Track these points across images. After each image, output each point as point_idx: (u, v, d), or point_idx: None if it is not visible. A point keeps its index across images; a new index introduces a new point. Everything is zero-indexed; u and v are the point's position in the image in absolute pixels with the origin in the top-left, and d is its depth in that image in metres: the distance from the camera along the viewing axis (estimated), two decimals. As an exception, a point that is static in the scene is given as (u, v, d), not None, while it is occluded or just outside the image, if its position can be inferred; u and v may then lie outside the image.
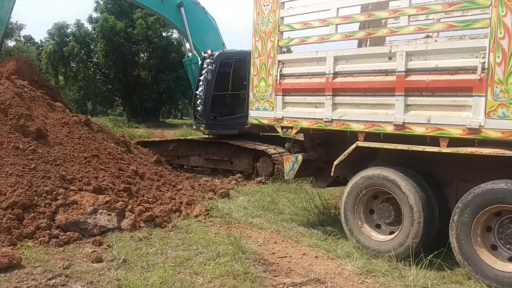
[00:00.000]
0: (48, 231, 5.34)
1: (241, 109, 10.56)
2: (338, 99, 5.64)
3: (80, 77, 36.02)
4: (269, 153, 10.26)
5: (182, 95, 38.39)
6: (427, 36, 6.56)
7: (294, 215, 7.08)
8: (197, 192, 8.36)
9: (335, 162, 5.63)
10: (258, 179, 10.16)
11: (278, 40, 6.25)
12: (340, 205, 5.70)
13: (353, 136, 5.54)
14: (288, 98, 6.23)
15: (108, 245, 5.31)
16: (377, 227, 5.49)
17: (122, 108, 41.92)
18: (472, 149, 4.53)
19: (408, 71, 4.97)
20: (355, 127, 5.45)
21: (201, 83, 11.28)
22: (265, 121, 6.50)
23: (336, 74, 5.62)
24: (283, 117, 6.25)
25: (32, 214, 5.50)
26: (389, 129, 5.15)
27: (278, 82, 6.25)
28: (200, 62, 12.24)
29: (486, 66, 4.37)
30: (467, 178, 4.88)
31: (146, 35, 34.84)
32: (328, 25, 5.69)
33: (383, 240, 5.30)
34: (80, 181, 6.37)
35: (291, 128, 6.18)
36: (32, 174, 6.02)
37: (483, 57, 4.39)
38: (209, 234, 5.95)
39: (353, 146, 5.44)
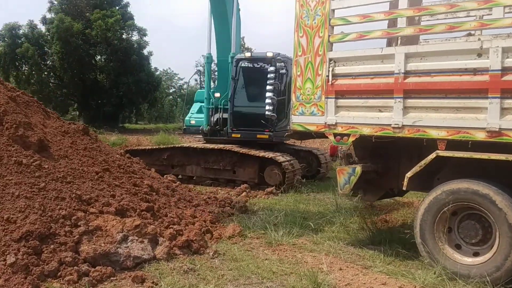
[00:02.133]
0: (75, 267, 4.29)
1: None
2: (411, 102, 4.93)
3: (33, 81, 33.75)
4: (279, 161, 9.47)
5: (143, 99, 36.93)
6: (469, 34, 6.01)
7: (337, 232, 6.33)
8: (212, 207, 7.44)
9: (409, 174, 4.91)
10: (269, 189, 9.34)
11: (329, 36, 5.48)
12: (414, 224, 4.98)
13: (429, 144, 4.86)
14: (342, 102, 5.46)
15: (153, 282, 4.33)
16: (457, 247, 4.82)
17: (77, 113, 39.76)
18: None
19: (505, 70, 4.33)
20: (434, 134, 4.76)
21: (271, 87, 9.83)
22: (312, 128, 5.69)
23: (407, 74, 4.92)
24: (336, 123, 5.47)
25: (52, 246, 4.43)
26: (480, 136, 4.49)
27: (329, 83, 5.48)
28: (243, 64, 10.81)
29: None
30: None
31: (105, 37, 33.18)
32: (397, 18, 4.99)
33: (472, 264, 4.62)
34: (98, 201, 5.33)
35: (347, 135, 5.41)
36: (43, 195, 4.93)
37: None
38: (260, 261, 5.07)
39: (432, 155, 4.74)
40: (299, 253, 5.49)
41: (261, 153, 9.69)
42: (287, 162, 9.54)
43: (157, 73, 43.56)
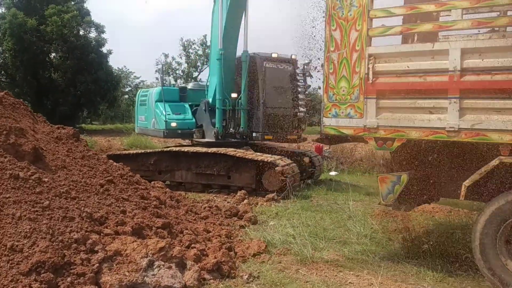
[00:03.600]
0: (100, 305, 3.54)
1: None
2: (469, 103, 4.45)
3: (-19, 80, 31.55)
4: (280, 165, 8.87)
5: (102, 98, 35.32)
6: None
7: (364, 245, 5.81)
8: (219, 218, 6.77)
9: (467, 183, 4.42)
10: (270, 196, 8.72)
11: (368, 29, 4.93)
12: (473, 237, 4.51)
13: (489, 150, 4.42)
14: (385, 102, 4.92)
15: (196, 319, 3.64)
16: (522, 263, 4.39)
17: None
18: None
19: None
20: (497, 138, 4.30)
21: (300, 89, 10.35)
22: (349, 131, 5.13)
23: (464, 71, 4.44)
24: (378, 126, 4.93)
25: (68, 279, 3.65)
26: (552, 140, 4.08)
27: (369, 82, 4.93)
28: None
29: None
30: None
31: (61, 34, 31.42)
32: (451, 9, 4.50)
33: (540, 280, 4.21)
34: (110, 219, 4.55)
35: (392, 140, 4.89)
36: (48, 215, 4.11)
37: None
38: (303, 284, 4.47)
39: (495, 161, 4.28)
40: (338, 271, 4.93)
41: (260, 157, 9.06)
42: (287, 166, 8.96)
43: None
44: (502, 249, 4.36)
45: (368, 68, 4.94)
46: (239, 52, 10.51)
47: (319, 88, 9.62)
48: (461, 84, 4.45)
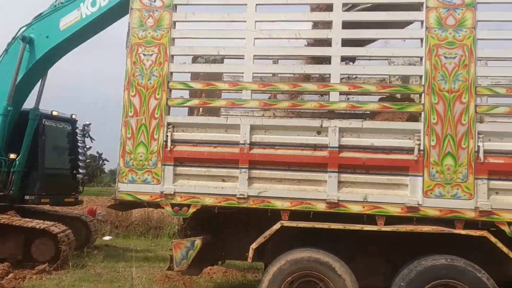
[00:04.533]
0: None
1: None
2: (256, 173, 4.98)
3: None
4: (54, 232, 8.06)
5: None
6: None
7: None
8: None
9: (254, 246, 4.85)
10: (41, 267, 7.77)
11: (167, 99, 5.14)
12: (259, 296, 4.90)
13: (272, 215, 4.96)
14: (182, 169, 5.10)
15: None
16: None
17: None
18: (412, 227, 4.71)
19: (342, 147, 4.86)
20: (279, 204, 4.90)
21: (80, 149, 9.96)
22: (145, 197, 5.10)
23: (253, 145, 4.99)
24: (175, 192, 5.05)
25: None
26: (321, 207, 4.85)
27: (168, 149, 5.07)
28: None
29: (422, 148, 4.71)
30: (404, 256, 4.92)
31: None
32: (242, 90, 5.06)
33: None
34: None
35: (187, 206, 5.05)
36: None
37: (418, 140, 4.72)
38: None
39: (277, 226, 4.84)
40: None
41: (29, 223, 8.08)
42: (62, 233, 8.21)
43: None
44: (283, 305, 4.84)
45: (167, 136, 5.08)
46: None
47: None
48: (250, 156, 4.97)
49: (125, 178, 5.14)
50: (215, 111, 6.13)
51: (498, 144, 4.64)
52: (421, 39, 4.81)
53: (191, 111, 6.12)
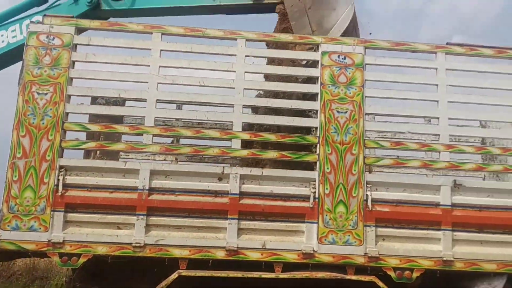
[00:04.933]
0: None
1: None
2: (154, 219, 4.84)
3: None
4: None
5: None
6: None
7: None
8: None
9: (152, 296, 4.65)
10: None
11: (61, 141, 4.86)
12: None
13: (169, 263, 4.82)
14: (74, 216, 4.78)
15: None
16: None
17: None
18: (307, 273, 4.84)
19: (243, 194, 4.92)
20: (177, 253, 4.78)
21: None
22: (30, 246, 4.67)
23: (152, 191, 4.86)
24: (64, 241, 4.70)
25: None
26: (221, 254, 4.81)
27: (59, 193, 4.76)
28: None
29: (317, 196, 4.93)
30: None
31: None
32: (143, 134, 4.97)
33: None
34: None
35: (77, 255, 4.71)
36: None
37: (313, 188, 4.95)
38: None
39: (174, 275, 4.69)
40: None
41: None
42: None
43: None
44: None
45: (58, 180, 4.78)
46: None
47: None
48: (148, 202, 4.82)
49: (8, 225, 4.69)
50: (113, 155, 5.92)
51: (384, 193, 5.01)
52: (317, 94, 5.13)
53: (88, 154, 5.90)
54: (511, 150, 5.29)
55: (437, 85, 5.24)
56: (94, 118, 5.46)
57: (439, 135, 5.19)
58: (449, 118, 5.19)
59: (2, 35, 6.05)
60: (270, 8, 6.06)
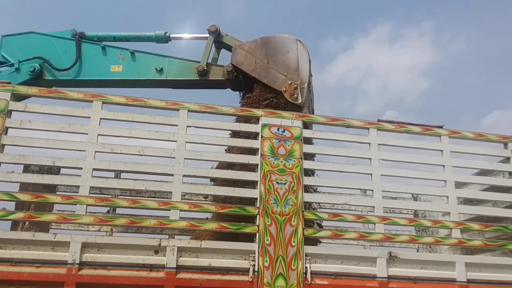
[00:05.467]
0: None
1: None
2: (84, 295, 4.54)
3: None
4: None
5: None
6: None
7: None
8: None
9: None
10: None
11: (-14, 211, 4.57)
12: None
13: None
14: (-6, 293, 4.41)
15: None
16: None
17: None
18: None
19: (180, 268, 4.76)
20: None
21: None
22: None
23: (83, 265, 4.60)
24: (-21, 322, 4.29)
25: None
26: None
27: (-21, 268, 4.39)
28: None
29: (256, 269, 4.86)
30: None
31: None
32: (76, 204, 4.77)
33: None
34: None
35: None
36: None
37: (253, 260, 4.89)
38: None
39: None
40: None
41: None
42: None
43: None
44: None
45: (-22, 253, 4.43)
46: None
47: None
48: (78, 277, 4.54)
49: None
50: (44, 226, 5.59)
51: (323, 265, 5.02)
52: (257, 165, 5.21)
53: (15, 225, 5.57)
54: (441, 222, 5.53)
55: (370, 159, 5.48)
56: (25, 186, 5.21)
57: (374, 207, 5.35)
58: (383, 191, 5.40)
59: None
60: (215, 84, 6.23)
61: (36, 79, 6.07)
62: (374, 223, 5.30)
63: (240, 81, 6.33)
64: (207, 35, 6.45)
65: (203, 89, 6.42)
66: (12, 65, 5.93)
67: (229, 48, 6.51)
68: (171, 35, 5.99)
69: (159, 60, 5.90)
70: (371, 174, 5.44)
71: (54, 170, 5.96)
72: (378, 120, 5.70)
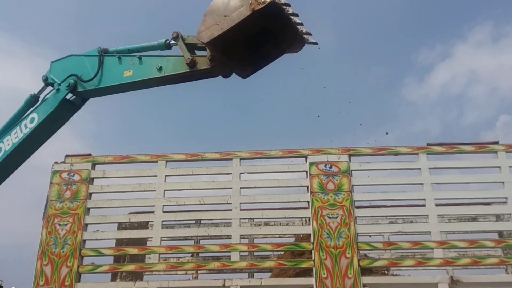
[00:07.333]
0: None
1: None
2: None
3: None
4: None
5: None
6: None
7: None
8: None
9: None
10: None
11: (79, 266, 5.42)
12: None
13: None
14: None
15: None
16: None
17: None
18: None
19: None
20: None
21: None
22: None
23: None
24: None
25: None
26: None
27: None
28: None
29: (317, 304, 5.09)
30: None
31: None
32: (150, 254, 5.46)
33: None
34: None
35: None
36: None
37: (316, 296, 5.13)
38: None
39: None
40: None
41: None
42: None
43: None
44: None
45: (77, 303, 5.25)
46: None
47: None
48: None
49: None
50: (138, 274, 6.27)
51: (381, 295, 5.11)
52: (308, 202, 5.51)
53: (114, 276, 6.27)
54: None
55: (422, 184, 5.50)
56: (119, 242, 5.94)
57: (430, 232, 5.34)
58: (438, 216, 5.37)
59: (7, 140, 6.72)
60: (205, 74, 6.31)
61: (72, 92, 6.84)
62: (432, 249, 5.27)
63: (225, 65, 6.20)
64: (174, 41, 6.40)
65: (197, 80, 6.51)
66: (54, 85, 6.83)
67: (198, 47, 6.38)
68: (171, 42, 6.43)
69: (159, 60, 6.42)
70: (424, 199, 5.45)
71: (142, 224, 6.70)
72: (428, 144, 5.71)
